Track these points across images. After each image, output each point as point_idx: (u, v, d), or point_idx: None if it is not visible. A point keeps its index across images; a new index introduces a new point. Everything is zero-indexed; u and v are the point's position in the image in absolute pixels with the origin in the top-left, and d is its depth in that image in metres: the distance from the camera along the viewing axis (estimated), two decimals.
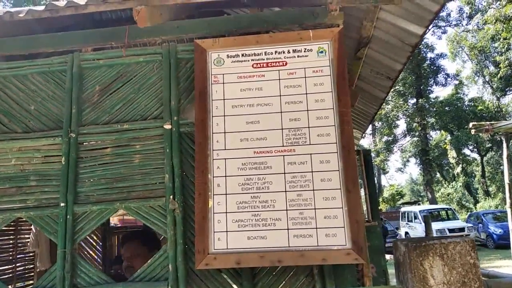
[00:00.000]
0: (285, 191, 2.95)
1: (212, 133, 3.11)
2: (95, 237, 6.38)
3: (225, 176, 3.02)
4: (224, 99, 3.17)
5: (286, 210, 2.91)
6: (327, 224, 2.84)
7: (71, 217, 3.09)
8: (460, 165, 34.45)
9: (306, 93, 3.10)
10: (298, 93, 3.11)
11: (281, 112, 3.10)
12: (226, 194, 2.98)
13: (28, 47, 3.51)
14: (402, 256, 2.55)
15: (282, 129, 3.07)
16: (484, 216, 18.28)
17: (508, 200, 7.52)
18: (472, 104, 31.31)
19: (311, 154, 3.00)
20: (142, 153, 3.22)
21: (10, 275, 5.48)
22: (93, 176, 3.20)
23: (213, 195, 2.98)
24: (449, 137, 33.64)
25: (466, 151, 34.94)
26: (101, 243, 6.38)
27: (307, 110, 3.08)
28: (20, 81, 3.52)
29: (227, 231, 2.89)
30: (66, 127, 3.27)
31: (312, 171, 2.96)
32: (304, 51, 3.17)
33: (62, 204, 3.10)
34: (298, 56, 3.17)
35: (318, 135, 3.02)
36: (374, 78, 4.36)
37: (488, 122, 8.13)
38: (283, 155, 3.02)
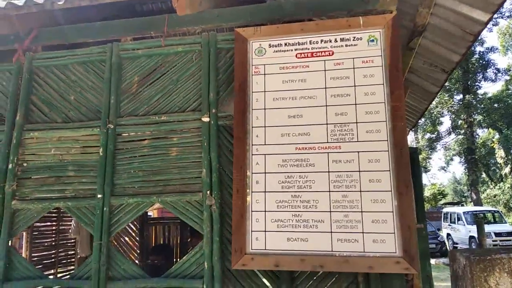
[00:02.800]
0: (329, 191, 2.73)
1: (252, 127, 2.93)
2: (133, 227, 6.43)
3: (265, 172, 2.83)
4: (265, 91, 2.98)
5: (330, 211, 2.69)
6: (375, 229, 2.59)
7: (108, 209, 3.03)
8: (509, 166, 32.49)
9: (355, 86, 2.85)
10: (345, 86, 2.86)
11: (326, 105, 2.87)
12: (265, 191, 2.80)
13: (68, 37, 3.48)
14: (462, 269, 2.27)
15: (327, 124, 2.84)
16: None
17: None
18: None
19: (358, 152, 2.75)
20: (180, 146, 3.10)
21: (53, 260, 5.62)
22: (130, 168, 3.12)
23: (252, 192, 2.81)
24: (497, 136, 31.69)
25: None
26: (138, 233, 6.43)
27: (355, 104, 2.82)
28: (61, 71, 3.49)
29: (265, 231, 2.72)
30: (105, 117, 3.20)
31: (359, 171, 2.72)
32: (353, 40, 2.91)
33: (99, 196, 3.05)
34: (346, 45, 2.92)
35: (367, 132, 2.76)
36: (426, 70, 4.00)
37: None
38: (328, 152, 2.79)
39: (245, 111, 2.95)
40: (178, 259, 6.12)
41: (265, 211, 2.76)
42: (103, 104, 3.27)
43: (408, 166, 2.66)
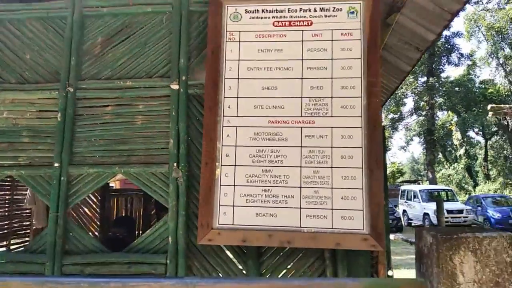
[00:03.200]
0: (300, 167, 2.66)
1: (224, 97, 2.78)
2: (93, 198, 6.17)
3: (235, 145, 2.71)
4: (239, 60, 2.82)
5: (300, 187, 2.63)
6: (344, 206, 2.56)
7: (66, 179, 2.82)
8: (464, 147, 34.00)
9: (332, 59, 2.74)
10: (322, 58, 2.75)
11: (302, 78, 2.75)
12: (235, 165, 2.69)
13: None
14: (428, 247, 2.28)
15: (301, 97, 2.73)
16: (484, 199, 18.08)
17: None
18: (483, 86, 30.41)
19: (332, 127, 2.68)
20: (146, 115, 2.91)
21: (6, 231, 5.32)
22: (91, 136, 2.91)
23: (221, 165, 2.69)
24: (455, 119, 33.02)
25: (471, 133, 34.50)
26: (99, 205, 6.18)
27: (332, 78, 2.73)
28: (16, 27, 3.16)
29: (234, 206, 2.62)
30: (64, 80, 2.94)
31: (332, 147, 2.65)
32: (333, 11, 2.78)
33: (56, 164, 2.83)
34: (325, 16, 2.79)
35: (341, 107, 2.69)
36: (401, 48, 3.96)
37: (507, 105, 7.77)
38: (301, 127, 2.70)
39: (217, 80, 2.78)
40: (141, 233, 5.97)
41: (234, 185, 2.66)
42: (63, 66, 2.99)
43: (381, 144, 2.63)
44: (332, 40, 2.76)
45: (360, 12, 2.74)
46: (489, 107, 7.04)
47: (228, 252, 2.69)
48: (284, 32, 2.81)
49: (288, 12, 2.81)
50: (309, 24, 2.79)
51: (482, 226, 16.83)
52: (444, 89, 30.37)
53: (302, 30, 2.79)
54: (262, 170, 2.67)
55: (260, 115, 2.74)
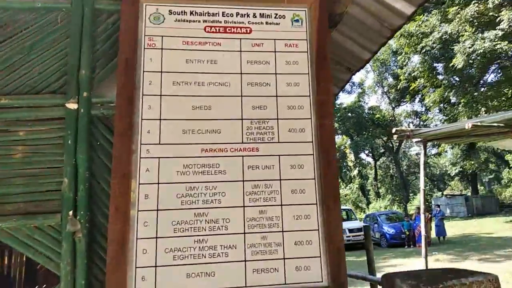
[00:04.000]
0: (243, 206, 1.92)
1: (141, 119, 1.94)
2: None
3: (158, 183, 1.88)
4: (161, 72, 2.02)
5: (244, 233, 1.89)
6: (299, 253, 1.88)
7: None
8: (357, 168, 35.85)
9: (276, 73, 2.09)
10: (265, 72, 2.08)
11: (241, 95, 2.05)
12: (157, 209, 1.85)
13: None
14: None
15: (242, 119, 2.02)
16: (379, 217, 18.35)
17: (422, 206, 7.31)
18: (371, 112, 32.81)
19: (279, 155, 2.00)
20: (28, 145, 1.93)
21: None
22: None
23: (138, 211, 1.83)
24: (349, 142, 34.90)
25: (363, 155, 36.88)
26: None
27: (276, 96, 2.07)
28: None
29: (156, 266, 1.77)
30: None
31: (280, 179, 1.97)
32: (275, 17, 2.15)
33: None
34: (266, 23, 2.14)
35: (289, 130, 2.04)
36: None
37: (409, 128, 8.00)
38: (243, 156, 1.98)
39: (132, 97, 1.94)
40: None
41: (156, 237, 1.81)
42: None
43: (337, 174, 2.02)
44: (275, 52, 2.11)
45: (306, 20, 2.15)
46: (393, 130, 7.06)
47: None
48: (218, 40, 2.08)
49: (223, 16, 2.11)
50: (248, 31, 2.11)
51: (379, 243, 16.82)
52: (339, 114, 32.04)
53: (240, 39, 2.11)
54: (195, 214, 1.87)
55: (190, 141, 1.96)
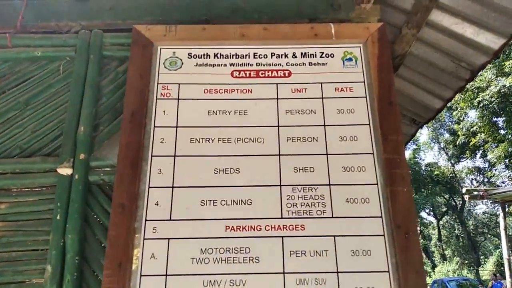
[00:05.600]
0: None
1: (149, 187, 1.61)
2: None
3: (166, 275, 1.48)
4: (177, 127, 1.72)
5: None
6: None
7: None
8: (418, 228, 34.42)
9: (325, 125, 1.72)
10: (309, 124, 1.73)
11: (279, 154, 1.68)
12: None
13: None
14: None
15: (280, 185, 1.63)
16: (448, 283, 17.08)
17: (508, 279, 6.32)
18: (429, 169, 31.86)
19: (334, 236, 1.55)
20: (9, 220, 1.62)
21: None
22: None
23: None
24: None
25: (423, 214, 35.48)
26: None
27: (327, 154, 1.68)
28: None
29: None
30: None
31: (337, 271, 1.50)
32: (321, 57, 1.85)
33: None
34: (310, 64, 1.84)
35: (347, 201, 1.60)
36: None
37: (483, 188, 7.26)
38: (282, 236, 1.55)
39: (138, 159, 1.63)
40: None
41: None
42: None
43: (422, 269, 1.51)
44: (322, 98, 1.77)
45: (361, 58, 1.81)
46: (464, 190, 6.43)
47: None
48: (248, 86, 1.79)
49: (255, 58, 1.84)
50: (287, 75, 1.81)
51: None
52: None
53: (277, 84, 1.80)
54: None
55: (211, 217, 1.58)
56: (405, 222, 1.53)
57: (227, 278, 1.48)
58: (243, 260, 1.51)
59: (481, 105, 17.95)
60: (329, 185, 1.63)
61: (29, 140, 1.78)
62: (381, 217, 1.57)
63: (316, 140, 1.70)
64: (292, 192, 1.63)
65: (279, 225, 1.57)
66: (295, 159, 1.67)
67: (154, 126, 1.71)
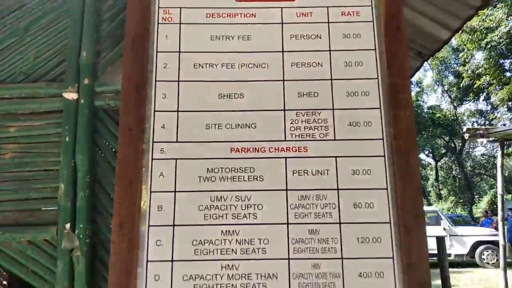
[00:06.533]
0: (287, 224, 1.60)
1: (154, 111, 1.70)
2: None
3: (174, 191, 1.61)
4: (179, 52, 1.77)
5: (288, 259, 1.56)
6: None
7: None
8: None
9: (330, 50, 1.78)
10: (315, 49, 1.78)
11: (283, 80, 1.75)
12: (174, 225, 1.58)
13: None
14: None
15: (284, 110, 1.72)
16: None
17: (499, 213, 6.74)
18: (431, 111, 32.51)
19: (336, 157, 1.66)
20: (20, 143, 1.73)
21: None
22: None
23: (149, 226, 1.56)
24: None
25: (422, 156, 36.85)
26: None
27: (331, 79, 1.75)
28: None
29: None
30: None
31: (338, 189, 1.63)
32: None
33: None
34: None
35: (350, 124, 1.70)
36: None
37: (482, 127, 7.44)
38: (286, 157, 1.66)
39: (142, 84, 1.71)
40: None
41: (172, 260, 1.53)
42: None
43: (420, 184, 1.64)
44: (328, 22, 1.81)
45: None
46: (464, 129, 6.64)
47: None
48: (252, 10, 1.82)
49: None
50: None
51: None
52: None
53: (281, 7, 1.83)
54: (222, 232, 1.57)
55: (217, 139, 1.68)
56: (406, 145, 1.64)
57: (232, 194, 1.62)
58: (248, 178, 1.64)
59: (489, 46, 17.89)
60: (333, 109, 1.72)
61: (32, 66, 1.84)
62: (383, 139, 1.67)
63: (321, 66, 1.76)
64: (295, 116, 1.72)
65: (282, 147, 1.68)
66: (299, 84, 1.74)
67: (157, 52, 1.75)
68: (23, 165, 1.72)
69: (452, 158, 34.62)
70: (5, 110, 1.77)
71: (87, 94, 1.75)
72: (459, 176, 33.73)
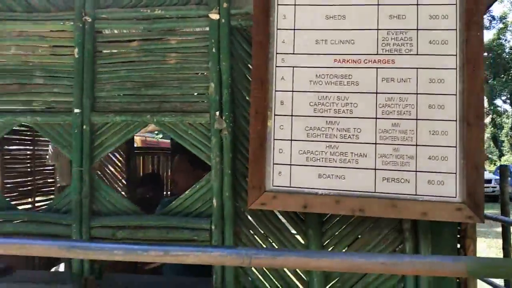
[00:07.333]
0: (376, 118, 2.20)
1: (277, 29, 2.30)
2: (118, 156, 5.84)
3: (292, 91, 2.26)
4: None
5: (375, 143, 2.19)
6: (432, 168, 2.12)
7: (89, 127, 2.46)
8: (490, 116, 33.05)
9: (417, 4, 2.19)
10: None
11: (377, 4, 2.24)
12: (292, 115, 2.25)
13: None
14: None
15: (377, 29, 2.22)
16: None
17: None
18: None
19: (417, 68, 2.18)
20: (180, 52, 2.47)
21: (30, 187, 5.11)
22: (116, 77, 2.51)
23: (274, 115, 2.25)
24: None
25: (498, 101, 33.82)
26: (125, 163, 5.86)
27: (417, 5, 2.20)
28: None
29: (291, 164, 2.22)
30: (79, 8, 2.49)
31: (417, 93, 2.17)
32: None
33: (76, 111, 2.46)
34: None
35: (430, 42, 2.18)
36: None
37: None
38: (377, 68, 2.21)
39: (267, 7, 2.29)
40: (169, 195, 5.68)
41: (291, 139, 2.23)
42: None
43: (482, 90, 2.13)
44: None
45: None
46: None
47: (284, 219, 2.30)
48: None
49: None
50: None
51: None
52: None
53: None
54: (327, 122, 2.22)
55: (324, 52, 2.26)
56: (474, 57, 2.09)
57: (334, 95, 2.23)
58: (347, 83, 2.23)
59: None
60: (417, 29, 2.18)
61: None
62: (456, 55, 2.13)
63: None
64: (386, 35, 2.21)
65: (374, 59, 2.21)
66: (390, 8, 2.20)
67: None
68: (183, 69, 2.45)
69: None
70: (167, 27, 2.47)
71: (226, 15, 2.37)
72: None
